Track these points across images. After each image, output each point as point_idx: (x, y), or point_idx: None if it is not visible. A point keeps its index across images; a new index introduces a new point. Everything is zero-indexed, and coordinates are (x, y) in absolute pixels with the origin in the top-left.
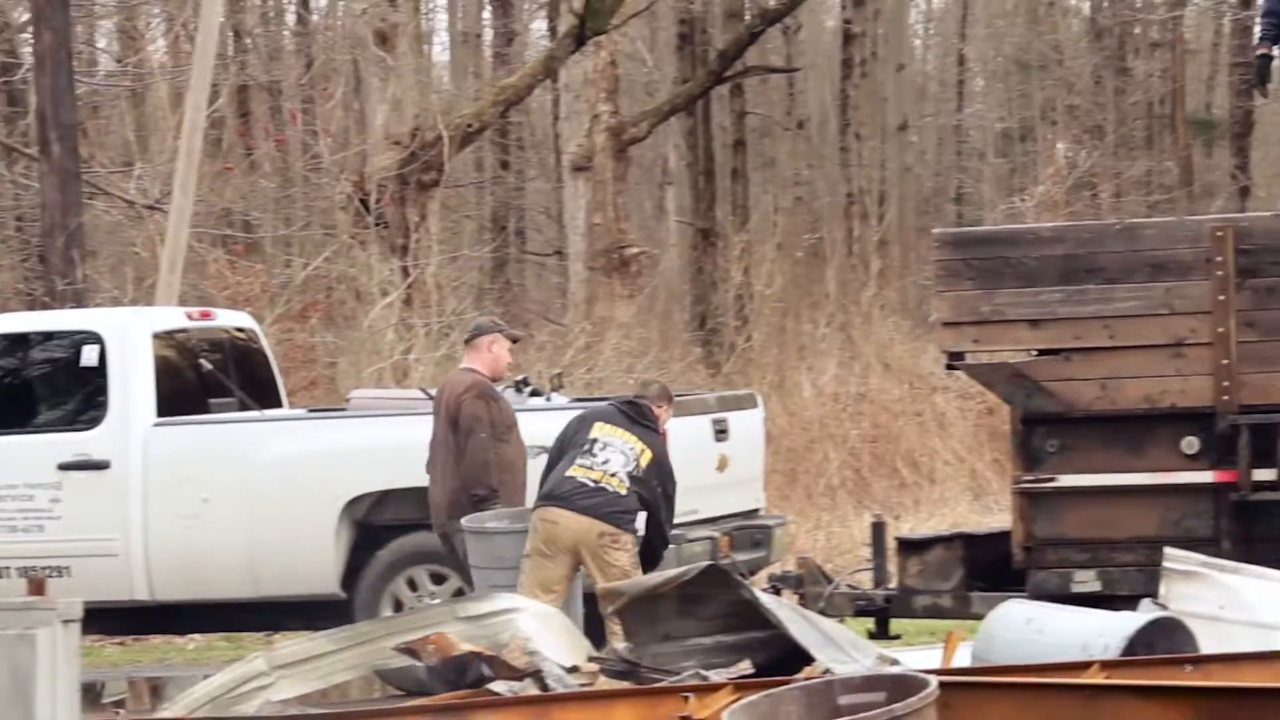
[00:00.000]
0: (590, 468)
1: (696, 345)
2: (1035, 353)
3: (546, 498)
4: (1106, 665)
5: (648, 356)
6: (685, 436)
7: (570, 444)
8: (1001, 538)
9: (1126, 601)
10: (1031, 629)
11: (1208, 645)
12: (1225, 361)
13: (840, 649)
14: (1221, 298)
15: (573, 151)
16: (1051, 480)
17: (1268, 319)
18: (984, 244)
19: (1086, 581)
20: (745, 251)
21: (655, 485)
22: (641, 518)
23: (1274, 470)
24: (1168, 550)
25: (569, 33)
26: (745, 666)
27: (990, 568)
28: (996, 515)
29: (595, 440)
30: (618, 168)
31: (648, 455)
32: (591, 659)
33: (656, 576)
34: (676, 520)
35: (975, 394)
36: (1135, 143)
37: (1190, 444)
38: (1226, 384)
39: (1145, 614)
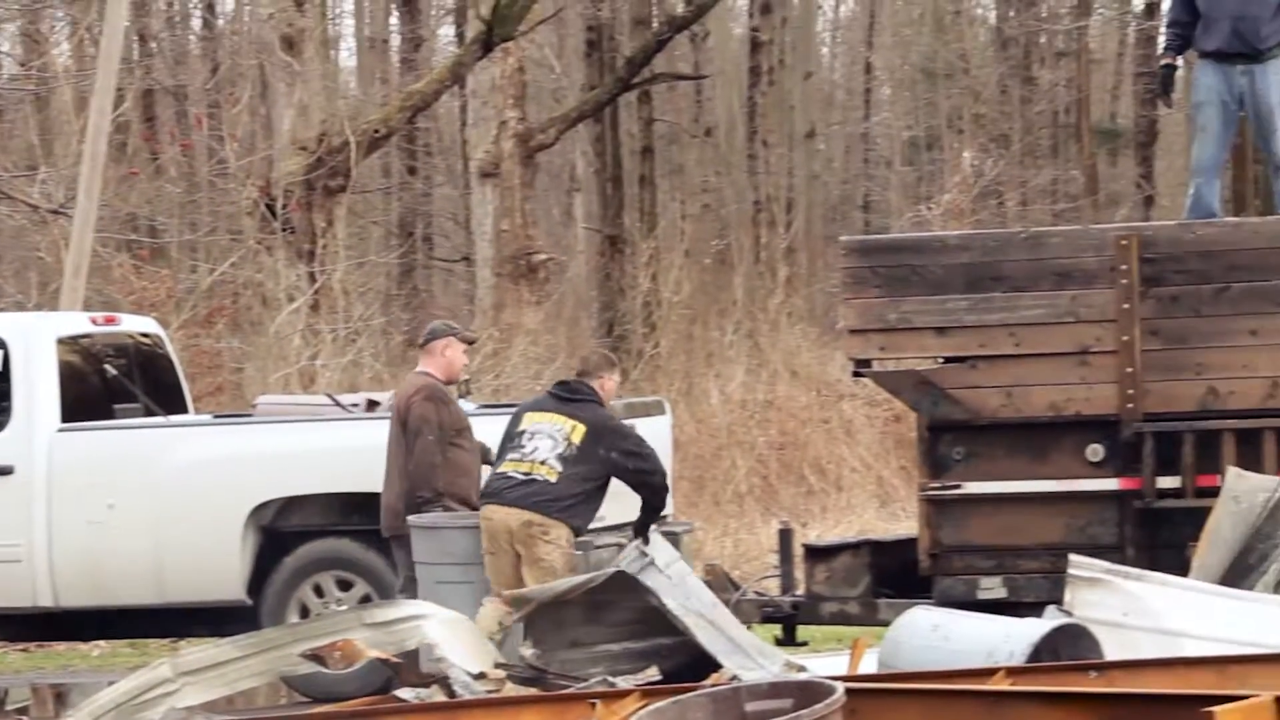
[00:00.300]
0: (520, 460)
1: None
2: (941, 360)
3: (483, 496)
4: (1012, 672)
5: (555, 363)
6: None
7: (506, 440)
8: (908, 544)
9: (1032, 608)
10: (938, 635)
11: (1112, 652)
12: (1130, 370)
13: (747, 656)
14: (1126, 306)
15: (480, 158)
16: (957, 487)
17: (1172, 327)
18: (890, 252)
19: (992, 588)
20: (653, 258)
21: (601, 453)
22: (585, 509)
23: (1178, 478)
24: (1073, 557)
25: (476, 39)
26: (652, 673)
27: (897, 574)
28: (903, 522)
29: (524, 432)
30: (525, 174)
31: (580, 430)
32: (499, 665)
33: (564, 583)
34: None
35: (882, 401)
36: (1041, 151)
37: (1095, 451)
38: (1131, 392)
39: (1050, 621)
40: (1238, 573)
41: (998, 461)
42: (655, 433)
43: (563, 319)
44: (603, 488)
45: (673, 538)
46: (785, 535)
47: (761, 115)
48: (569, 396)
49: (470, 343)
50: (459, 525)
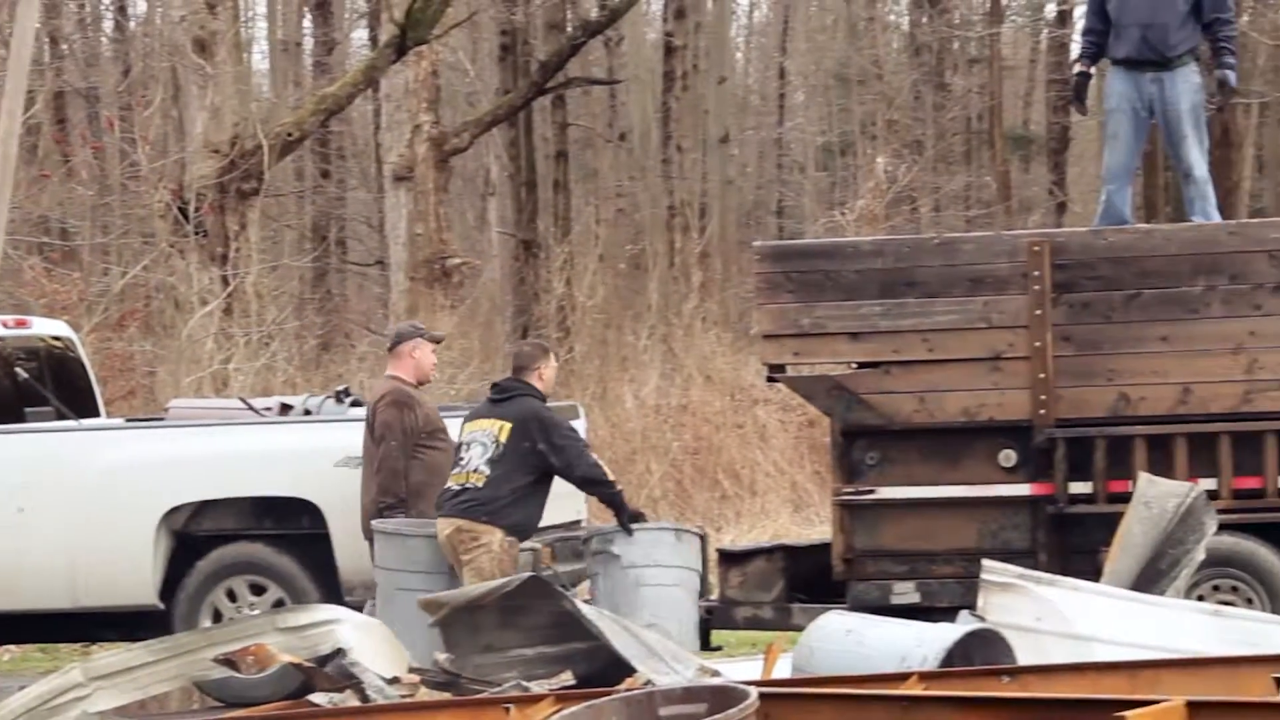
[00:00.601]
0: (458, 472)
1: None
2: (855, 365)
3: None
4: (925, 676)
5: (469, 367)
6: None
7: (454, 453)
8: (822, 549)
9: (945, 613)
10: (851, 640)
11: (1024, 656)
12: (1042, 375)
13: (661, 660)
14: (1038, 312)
15: (394, 161)
16: (871, 492)
17: (1083, 333)
18: (804, 257)
19: (905, 593)
20: (567, 263)
21: (528, 445)
22: (519, 508)
23: (1089, 483)
24: (985, 562)
25: (390, 42)
26: (566, 678)
27: (811, 579)
28: (817, 527)
29: (463, 444)
30: (439, 178)
31: (506, 428)
32: (412, 670)
33: (478, 588)
34: None
35: (796, 406)
36: (954, 158)
37: (1008, 457)
38: (1043, 398)
39: (963, 625)
40: (1149, 578)
41: (911, 467)
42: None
43: (477, 323)
44: (540, 482)
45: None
46: (699, 540)
47: (676, 120)
48: (500, 398)
49: (437, 341)
50: (421, 533)
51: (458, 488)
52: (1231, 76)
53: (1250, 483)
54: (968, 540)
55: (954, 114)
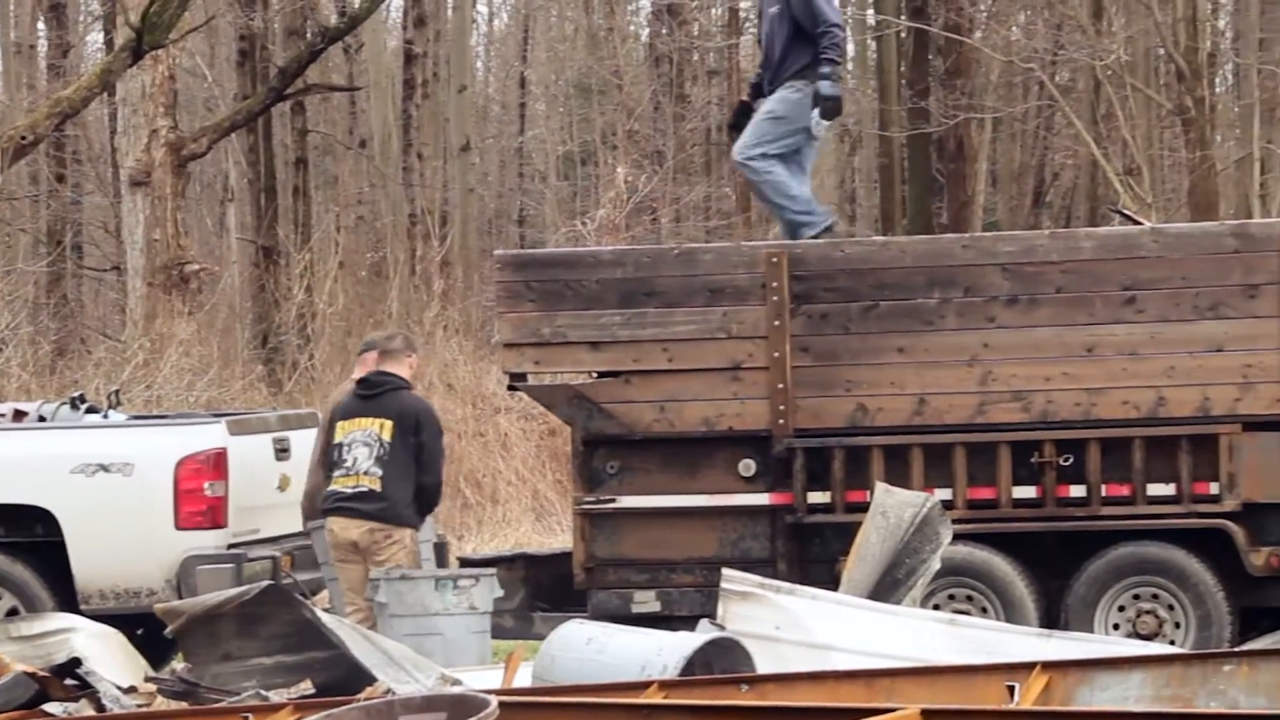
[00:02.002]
0: (346, 474)
1: (258, 363)
2: (595, 375)
3: (323, 514)
4: (665, 685)
5: (208, 374)
6: (245, 455)
7: (328, 452)
8: (563, 558)
9: (686, 622)
10: (592, 649)
11: (764, 665)
12: (781, 386)
13: (401, 669)
14: (777, 323)
15: (131, 166)
16: (612, 501)
17: (821, 344)
18: (545, 266)
19: (646, 602)
20: (307, 269)
21: (411, 441)
22: (416, 503)
23: (828, 493)
24: (725, 571)
25: (126, 46)
26: (306, 686)
27: (552, 588)
28: (559, 536)
29: (340, 445)
30: (177, 183)
31: (389, 426)
32: (149, 679)
33: (215, 596)
34: (236, 540)
35: (538, 415)
36: (694, 168)
37: (747, 466)
38: (782, 408)
39: (703, 634)
40: (886, 587)
41: (652, 476)
42: (309, 445)
43: (215, 330)
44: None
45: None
46: (440, 548)
47: (416, 128)
48: (372, 393)
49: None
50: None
51: (350, 489)
52: (824, 86)
53: (984, 493)
54: (707, 549)
55: (694, 125)
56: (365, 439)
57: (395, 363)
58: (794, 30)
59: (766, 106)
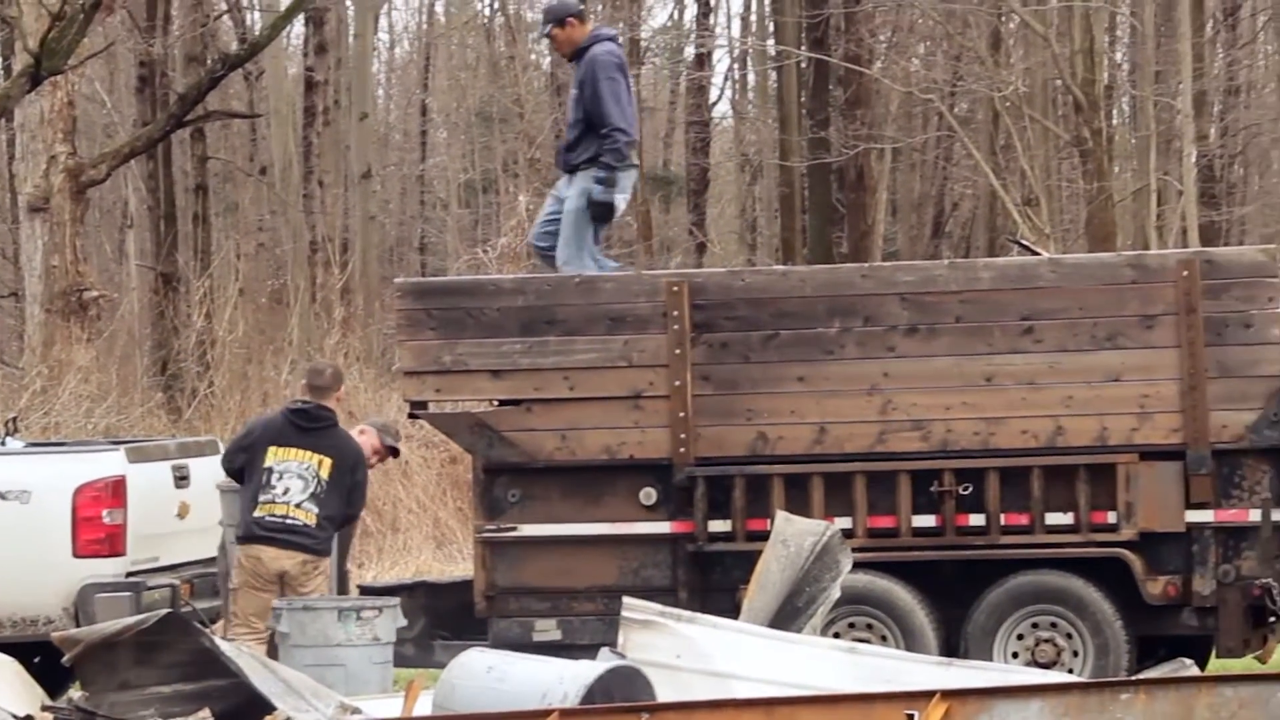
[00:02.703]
0: (273, 501)
1: (158, 390)
2: (497, 403)
3: (244, 539)
4: (566, 713)
5: (107, 401)
6: (145, 483)
7: (251, 471)
8: (464, 586)
9: (586, 650)
10: (492, 677)
11: (665, 693)
12: (682, 414)
13: (300, 697)
14: (678, 351)
15: (29, 192)
16: (513, 529)
17: (722, 373)
18: (446, 294)
19: (547, 630)
20: (207, 296)
21: (347, 480)
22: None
23: (728, 521)
24: (626, 600)
25: (24, 71)
26: (205, 715)
27: (453, 616)
28: (460, 564)
29: (271, 470)
30: (76, 209)
31: (327, 464)
32: (46, 708)
33: (114, 624)
34: (135, 568)
35: (439, 443)
36: None
37: (648, 495)
38: (683, 436)
39: (604, 663)
40: (786, 615)
41: (553, 504)
42: (209, 473)
43: (115, 356)
44: None
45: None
46: (342, 576)
47: (317, 155)
48: (312, 426)
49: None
50: None
51: (280, 519)
52: (595, 190)
53: (885, 522)
54: (609, 577)
55: None
56: (301, 471)
57: (326, 397)
58: (587, 120)
59: (569, 204)
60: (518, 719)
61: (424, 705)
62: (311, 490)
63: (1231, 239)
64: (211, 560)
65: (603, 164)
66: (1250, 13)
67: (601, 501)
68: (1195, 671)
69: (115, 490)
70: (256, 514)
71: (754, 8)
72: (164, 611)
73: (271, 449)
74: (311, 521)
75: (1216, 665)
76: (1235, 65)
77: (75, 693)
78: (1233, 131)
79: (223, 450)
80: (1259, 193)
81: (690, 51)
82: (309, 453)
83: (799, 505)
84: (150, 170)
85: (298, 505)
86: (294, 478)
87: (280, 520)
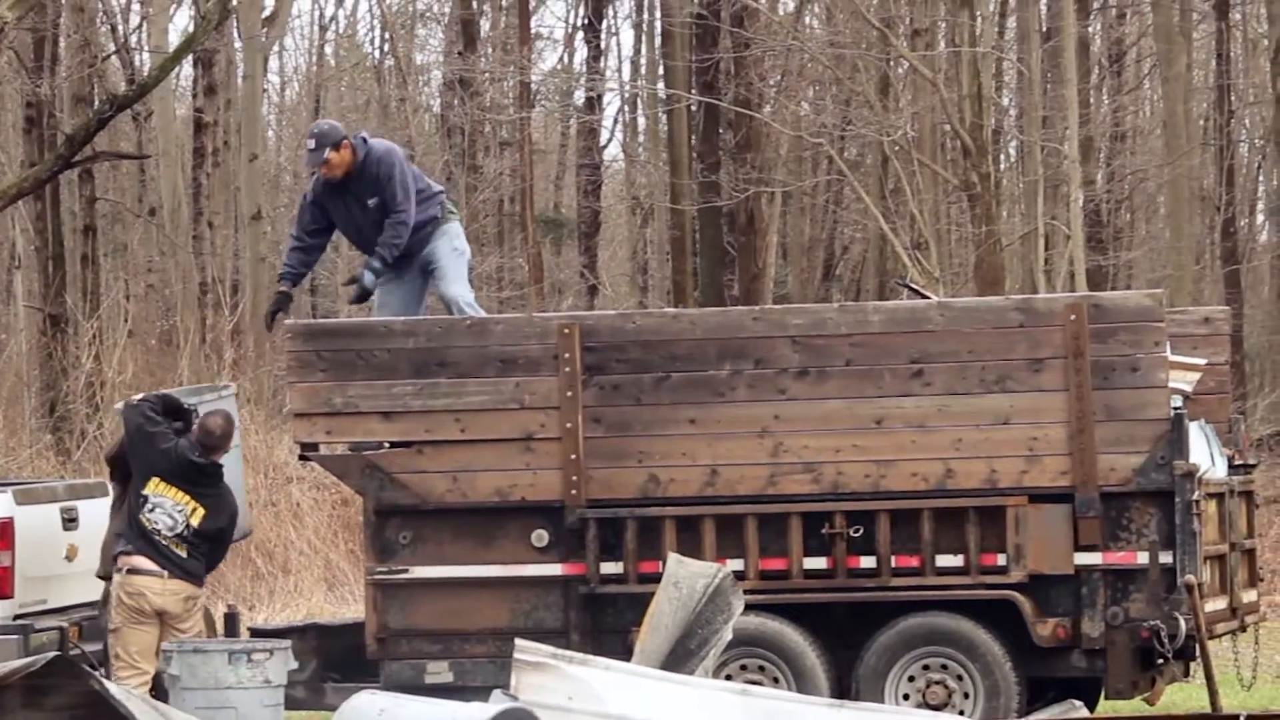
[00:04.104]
0: (158, 534)
1: (46, 432)
2: (388, 445)
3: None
4: None
5: None
6: (33, 525)
7: (133, 496)
8: (356, 629)
9: (479, 692)
10: None
11: None
12: (573, 456)
13: None
14: (569, 394)
15: None
16: (405, 571)
17: (613, 415)
18: (336, 336)
19: (440, 672)
20: (96, 338)
21: (215, 529)
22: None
23: (620, 563)
24: (518, 642)
25: None
26: None
27: (344, 658)
28: (352, 606)
29: (147, 500)
30: None
31: (200, 514)
32: None
33: (1, 667)
34: (23, 611)
35: (330, 485)
36: (487, 239)
37: (540, 537)
38: (575, 478)
39: (495, 705)
40: (679, 657)
41: (444, 546)
42: (98, 514)
43: (1, 398)
44: None
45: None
46: (231, 619)
47: (207, 196)
48: (197, 476)
49: None
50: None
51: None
52: (367, 276)
53: (776, 564)
54: (501, 620)
55: (486, 196)
56: (171, 511)
57: (218, 453)
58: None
59: (453, 245)
60: None
61: None
62: (178, 531)
63: (1119, 283)
64: (101, 603)
65: (389, 244)
66: (1135, 59)
67: (493, 543)
68: (1084, 713)
69: (3, 532)
70: (151, 540)
71: (644, 51)
72: (52, 654)
73: (151, 480)
74: (184, 553)
75: (1106, 707)
76: (1121, 111)
77: None
78: (1119, 177)
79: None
80: (1145, 237)
81: (580, 95)
82: (185, 497)
83: (691, 547)
84: (38, 211)
85: (175, 538)
86: (163, 514)
87: (163, 547)
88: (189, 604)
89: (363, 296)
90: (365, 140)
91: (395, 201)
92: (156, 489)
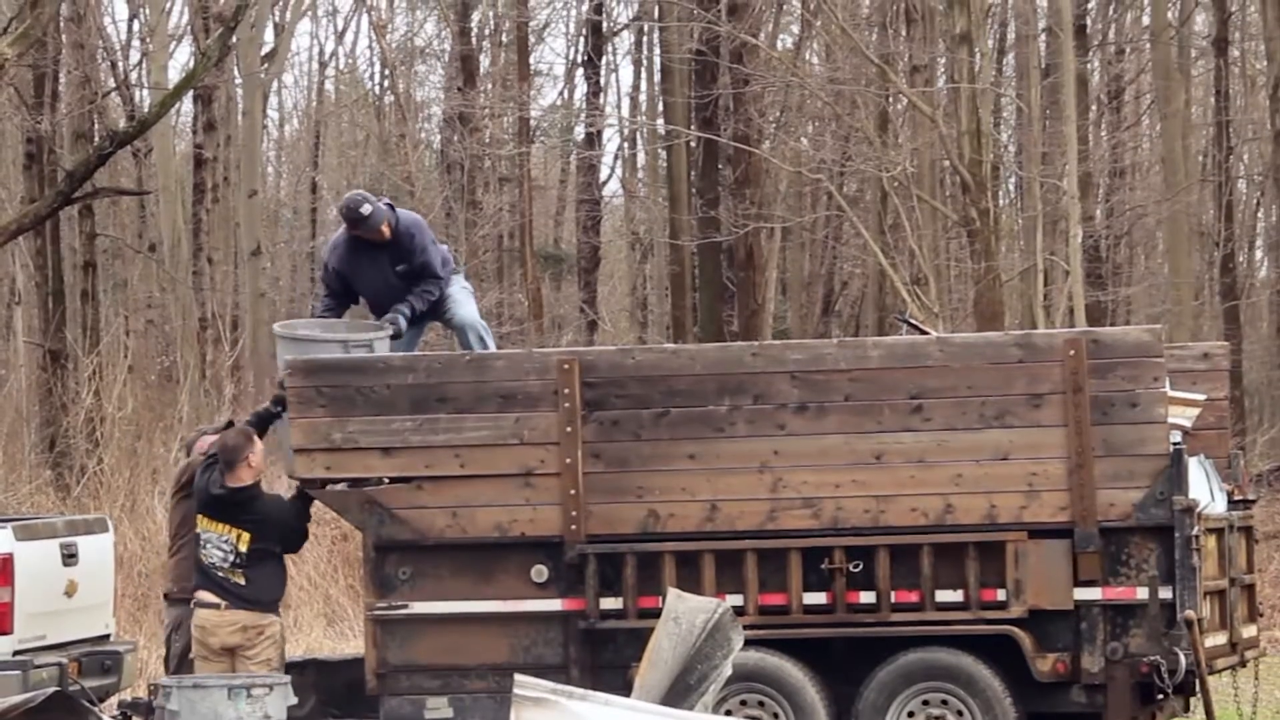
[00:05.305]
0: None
1: (46, 468)
2: (387, 480)
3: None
4: None
5: None
6: (32, 561)
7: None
8: (355, 664)
9: None
10: None
11: None
12: (573, 492)
13: None
14: (569, 429)
15: None
16: (404, 607)
17: (613, 450)
18: (336, 372)
19: (439, 708)
20: (96, 374)
21: (265, 546)
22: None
23: (620, 599)
24: (518, 677)
25: None
26: None
27: (344, 694)
28: (351, 642)
29: (200, 537)
30: None
31: (245, 538)
32: None
33: (0, 703)
34: (23, 646)
35: (330, 520)
36: (486, 274)
37: (540, 572)
38: (574, 514)
39: None
40: (678, 693)
41: (444, 581)
42: (98, 550)
43: (1, 434)
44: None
45: (115, 657)
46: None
47: (206, 232)
48: (230, 500)
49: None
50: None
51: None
52: (400, 320)
53: (775, 599)
54: (500, 655)
55: (486, 231)
56: (220, 544)
57: (236, 466)
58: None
59: (462, 284)
60: None
61: None
62: (231, 561)
63: (1117, 319)
64: (102, 639)
65: (421, 297)
66: (1134, 95)
67: (493, 579)
68: None
69: (2, 568)
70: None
71: (644, 87)
72: (51, 690)
73: (199, 516)
74: (241, 580)
75: None
76: (1120, 147)
77: None
78: (1118, 212)
79: (111, 528)
80: (1144, 273)
81: (580, 131)
82: (227, 526)
83: (690, 583)
84: (38, 247)
85: (231, 567)
86: (214, 548)
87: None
88: (250, 634)
89: (395, 336)
90: (393, 209)
91: (431, 269)
92: (202, 525)
